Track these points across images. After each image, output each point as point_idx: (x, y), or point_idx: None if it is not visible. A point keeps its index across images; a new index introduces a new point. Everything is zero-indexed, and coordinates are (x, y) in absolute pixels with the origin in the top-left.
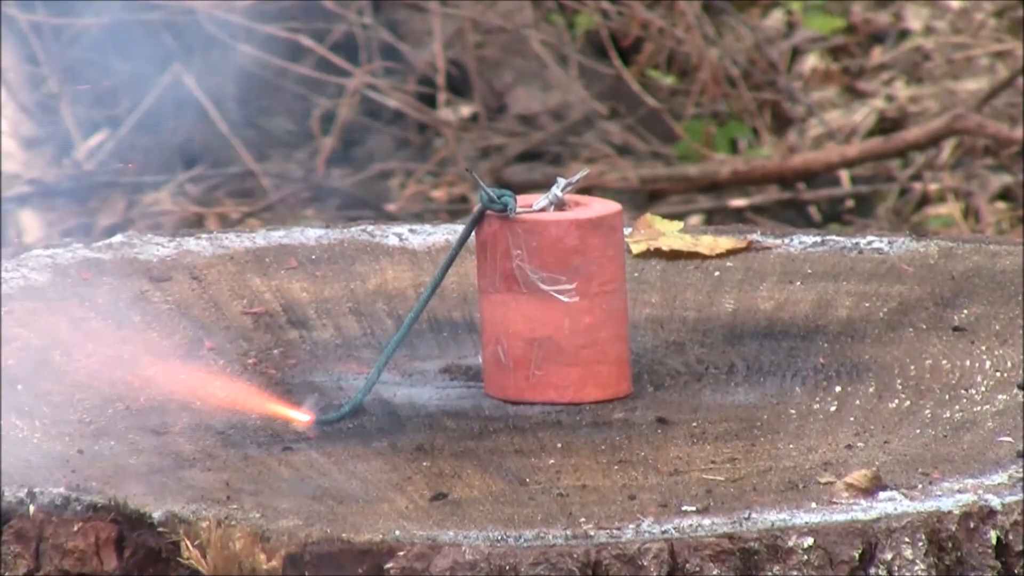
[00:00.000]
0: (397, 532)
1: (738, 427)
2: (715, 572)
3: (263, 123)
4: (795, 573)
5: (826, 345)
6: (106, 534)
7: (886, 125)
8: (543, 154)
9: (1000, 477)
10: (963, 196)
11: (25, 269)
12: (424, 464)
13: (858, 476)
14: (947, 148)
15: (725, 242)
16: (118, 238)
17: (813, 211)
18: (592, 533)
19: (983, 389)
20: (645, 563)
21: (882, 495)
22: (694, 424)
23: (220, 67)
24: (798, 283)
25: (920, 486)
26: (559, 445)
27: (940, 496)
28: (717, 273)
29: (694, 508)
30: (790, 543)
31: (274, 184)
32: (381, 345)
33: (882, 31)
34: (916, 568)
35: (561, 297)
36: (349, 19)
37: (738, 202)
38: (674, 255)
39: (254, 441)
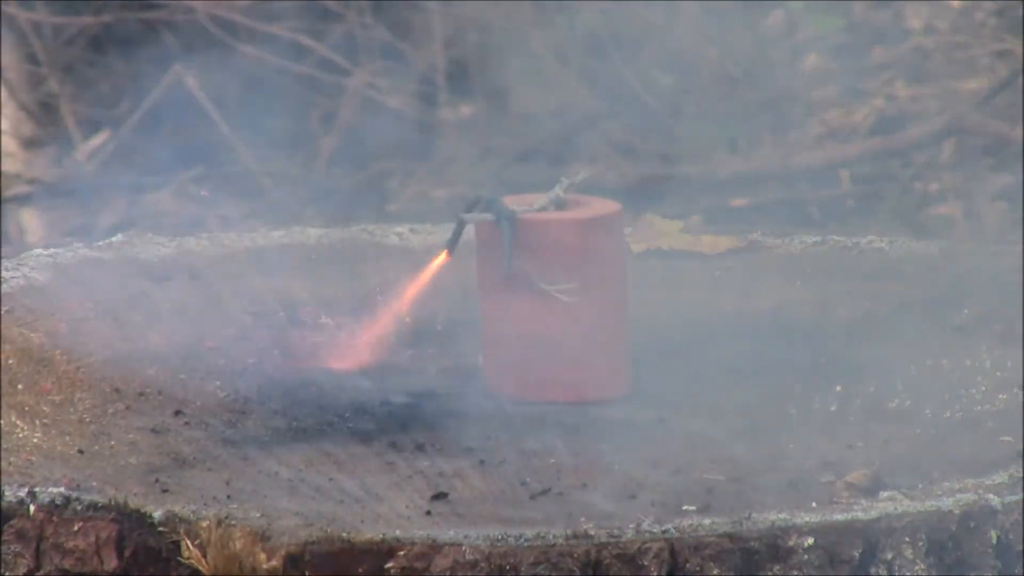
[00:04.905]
0: (397, 532)
1: (738, 427)
2: (715, 572)
3: (263, 122)
4: (795, 573)
5: (826, 345)
6: (106, 534)
7: (886, 125)
8: (543, 154)
9: (1000, 477)
10: (963, 196)
11: (25, 269)
12: (424, 464)
13: (858, 476)
14: (947, 148)
15: (725, 242)
16: (118, 238)
17: (813, 211)
18: (592, 533)
19: (983, 389)
20: (645, 563)
21: (882, 495)
22: (694, 424)
23: (220, 67)
24: (798, 283)
25: (920, 486)
26: (559, 445)
27: (940, 496)
28: (717, 273)
29: (694, 508)
30: (790, 543)
31: (274, 184)
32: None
33: (882, 30)
34: (916, 568)
35: (561, 296)
36: (349, 19)
37: (738, 202)
38: (674, 255)
39: (254, 441)
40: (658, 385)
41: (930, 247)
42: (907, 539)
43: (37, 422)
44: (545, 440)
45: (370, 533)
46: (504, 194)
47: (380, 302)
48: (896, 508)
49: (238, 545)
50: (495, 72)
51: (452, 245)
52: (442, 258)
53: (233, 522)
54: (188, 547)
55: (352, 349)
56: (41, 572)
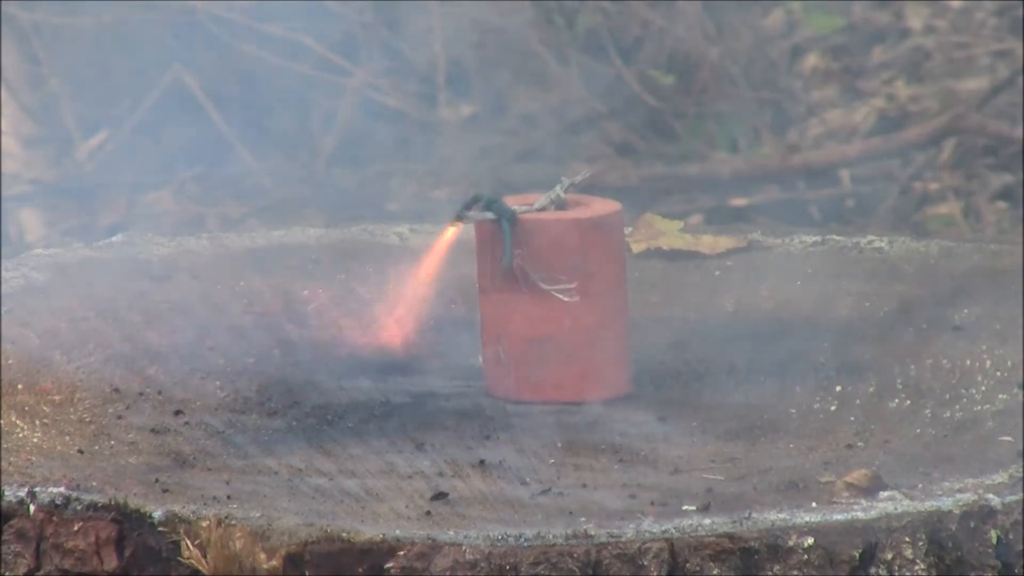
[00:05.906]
0: (397, 532)
1: (738, 427)
2: (715, 572)
3: (263, 122)
4: (795, 573)
5: (826, 345)
6: (106, 534)
7: (886, 125)
8: (543, 154)
9: (1000, 477)
10: (963, 196)
11: (25, 269)
12: (424, 464)
13: (858, 476)
14: (947, 148)
15: (725, 242)
16: (118, 238)
17: (813, 211)
18: (592, 533)
19: (983, 389)
20: (645, 563)
21: (882, 495)
22: (694, 424)
23: (220, 66)
24: (798, 283)
25: (920, 486)
26: (559, 445)
27: (940, 496)
28: (717, 273)
29: (694, 508)
30: (790, 543)
31: (274, 184)
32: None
33: (882, 30)
34: (916, 568)
35: (561, 296)
36: (349, 19)
37: (738, 202)
38: (674, 255)
39: (254, 441)
40: (658, 385)
41: (930, 247)
42: (907, 539)
43: (37, 422)
44: (545, 440)
45: (370, 533)
46: (504, 194)
47: (394, 286)
48: (896, 508)
49: (238, 545)
50: (495, 72)
51: (462, 219)
52: (454, 230)
53: (233, 522)
54: (188, 547)
55: (376, 329)
56: (41, 572)
